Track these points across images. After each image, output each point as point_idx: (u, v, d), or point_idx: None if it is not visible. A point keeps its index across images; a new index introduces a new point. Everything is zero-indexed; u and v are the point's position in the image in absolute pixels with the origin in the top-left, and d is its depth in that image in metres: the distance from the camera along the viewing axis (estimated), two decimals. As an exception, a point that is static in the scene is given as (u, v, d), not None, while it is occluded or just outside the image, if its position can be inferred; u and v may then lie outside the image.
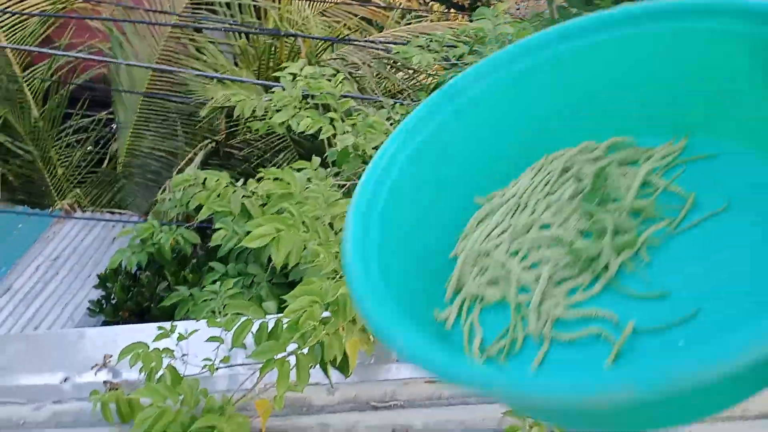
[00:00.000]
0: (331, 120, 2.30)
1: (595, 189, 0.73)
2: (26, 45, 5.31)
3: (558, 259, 0.68)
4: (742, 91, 0.67)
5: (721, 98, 0.69)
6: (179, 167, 4.77)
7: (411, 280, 0.67)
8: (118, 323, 3.60)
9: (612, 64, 0.74)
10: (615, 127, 0.75)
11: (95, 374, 1.85)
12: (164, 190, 4.41)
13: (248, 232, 2.27)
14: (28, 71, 5.60)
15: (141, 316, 3.73)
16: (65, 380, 1.85)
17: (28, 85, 5.47)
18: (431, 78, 4.80)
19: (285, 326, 1.36)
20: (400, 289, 0.62)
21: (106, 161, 5.77)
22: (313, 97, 2.51)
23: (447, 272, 0.71)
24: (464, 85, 0.73)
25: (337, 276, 1.46)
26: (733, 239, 0.64)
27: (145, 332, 1.59)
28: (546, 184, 0.75)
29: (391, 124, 2.35)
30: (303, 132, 2.37)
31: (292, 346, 1.42)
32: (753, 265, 0.61)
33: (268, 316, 1.52)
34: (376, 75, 4.67)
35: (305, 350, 1.40)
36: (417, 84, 5.01)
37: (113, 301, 3.91)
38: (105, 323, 3.83)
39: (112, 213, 5.19)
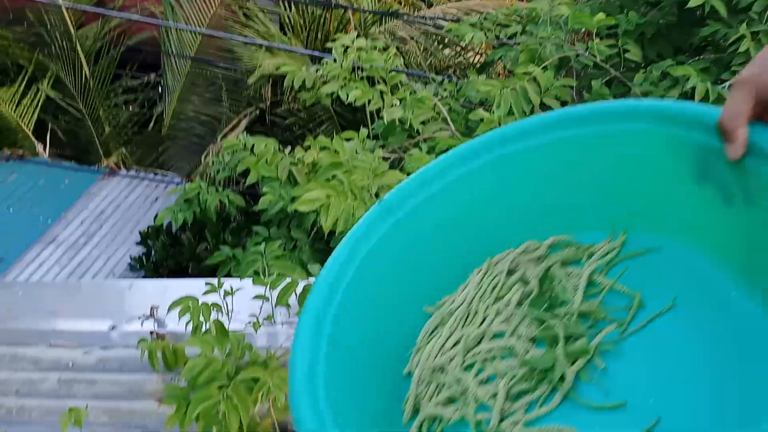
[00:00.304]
0: (381, 93, 2.33)
1: (542, 293, 0.75)
2: (81, 4, 5.42)
3: (513, 371, 0.69)
4: (673, 188, 0.70)
5: (654, 195, 0.72)
6: (223, 133, 4.85)
7: (366, 403, 0.67)
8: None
9: (546, 166, 0.77)
10: (555, 226, 0.77)
11: (142, 324, 1.93)
12: (207, 154, 4.50)
13: (293, 198, 2.32)
14: (81, 30, 5.72)
15: (180, 275, 3.83)
16: (113, 328, 1.94)
17: (80, 45, 5.59)
18: (479, 56, 4.77)
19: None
20: (354, 416, 0.62)
21: (151, 123, 5.89)
22: (362, 69, 2.53)
23: (403, 390, 0.71)
24: (399, 199, 0.75)
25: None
26: (684, 339, 0.66)
27: (192, 287, 1.66)
28: (494, 289, 0.76)
29: (440, 100, 2.36)
30: (351, 103, 2.40)
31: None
32: (705, 366, 0.62)
33: (311, 278, 1.57)
34: (423, 50, 4.66)
35: None
36: (464, 62, 4.99)
37: (153, 259, 4.03)
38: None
39: (155, 174, 5.31)
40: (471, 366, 0.71)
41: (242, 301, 1.66)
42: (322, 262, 1.74)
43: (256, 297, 1.57)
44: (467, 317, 0.75)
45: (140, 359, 1.80)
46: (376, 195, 1.81)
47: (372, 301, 0.72)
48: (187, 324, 1.53)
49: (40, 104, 5.46)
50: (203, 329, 1.52)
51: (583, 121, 0.74)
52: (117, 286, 2.12)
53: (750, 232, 0.66)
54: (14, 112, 5.31)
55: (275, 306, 1.58)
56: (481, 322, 0.74)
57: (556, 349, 0.69)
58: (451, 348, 0.73)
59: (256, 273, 1.86)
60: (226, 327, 1.53)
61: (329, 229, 1.61)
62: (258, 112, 5.01)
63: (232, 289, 1.61)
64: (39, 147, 5.61)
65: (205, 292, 1.54)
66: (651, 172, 0.72)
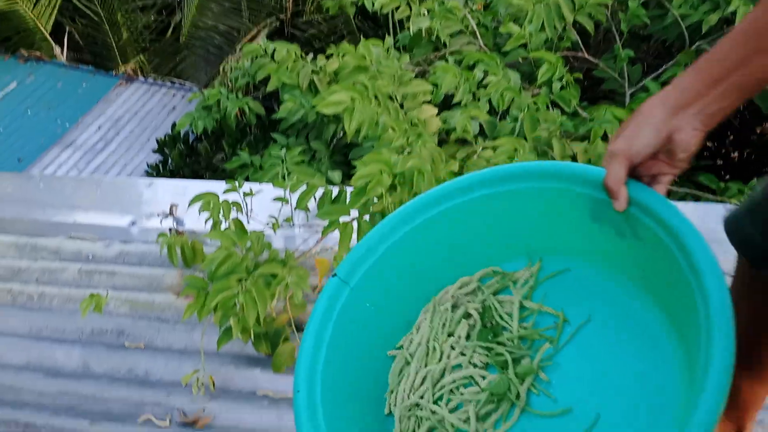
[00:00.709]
0: (408, 1, 2.25)
1: (484, 324, 0.93)
2: None
3: (478, 396, 0.86)
4: (577, 225, 0.91)
5: (563, 230, 0.94)
6: (242, 43, 4.75)
7: None
8: (174, 187, 3.73)
9: (474, 216, 0.95)
10: (483, 260, 0.97)
11: (161, 222, 1.95)
12: (226, 63, 4.42)
13: (313, 107, 2.29)
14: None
15: (196, 183, 3.85)
16: (133, 223, 1.96)
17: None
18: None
19: (351, 192, 1.40)
20: None
21: (169, 30, 5.78)
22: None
23: (388, 426, 0.88)
24: (351, 268, 0.89)
25: (405, 151, 1.48)
26: (604, 345, 0.86)
27: (213, 187, 1.65)
28: (443, 326, 0.93)
29: (469, 12, 2.28)
30: (375, 16, 2.33)
31: (354, 213, 1.47)
32: (626, 365, 0.82)
33: (330, 186, 1.57)
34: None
35: (367, 217, 1.45)
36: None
37: (170, 167, 4.04)
38: (161, 186, 3.97)
39: (173, 82, 5.25)
40: (440, 398, 0.89)
41: (261, 204, 1.66)
42: (341, 174, 1.69)
43: (276, 199, 1.57)
44: (428, 355, 0.92)
45: (159, 254, 1.83)
46: (401, 105, 1.78)
47: (348, 355, 0.89)
48: (206, 221, 1.54)
49: (57, 5, 5.35)
50: (222, 227, 1.53)
51: (500, 181, 0.94)
52: (137, 183, 2.13)
53: (641, 257, 0.85)
54: (32, 11, 5.21)
55: (295, 209, 1.58)
56: (440, 358, 0.91)
57: (507, 372, 0.87)
58: (421, 385, 0.90)
59: (276, 176, 1.85)
60: (245, 226, 1.54)
61: (352, 135, 1.59)
62: (278, 23, 4.89)
63: (251, 190, 1.61)
64: (56, 49, 5.54)
65: (226, 191, 1.54)
66: (558, 214, 0.92)
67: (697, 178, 2.42)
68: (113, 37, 5.68)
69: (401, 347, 0.94)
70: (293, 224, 1.61)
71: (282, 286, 1.38)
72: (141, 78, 5.10)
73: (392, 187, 1.39)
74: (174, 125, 4.03)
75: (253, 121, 2.61)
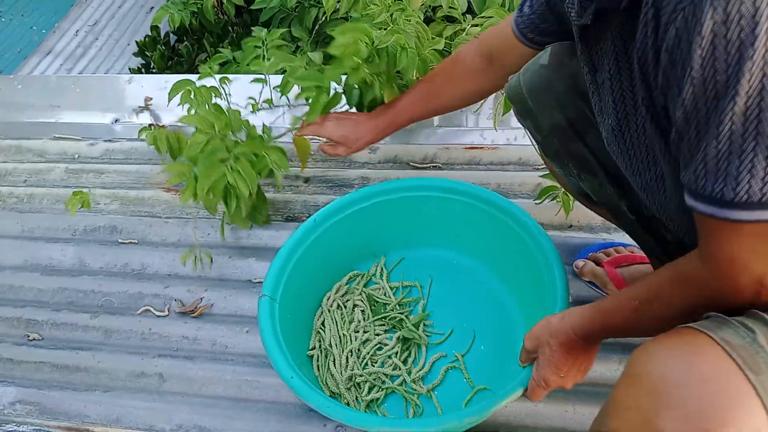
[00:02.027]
0: None
1: (372, 306, 1.33)
2: None
3: (392, 350, 1.26)
4: (410, 223, 1.37)
5: (397, 228, 1.38)
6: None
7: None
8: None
9: (347, 229, 1.32)
10: (347, 267, 1.39)
11: (137, 116, 1.90)
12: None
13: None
14: None
15: (181, 86, 3.75)
16: (116, 121, 1.91)
17: None
18: None
19: (329, 65, 1.35)
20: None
21: (141, -75, 5.44)
22: None
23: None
24: (275, 282, 1.20)
25: (387, 27, 1.41)
26: (455, 293, 1.34)
27: (193, 80, 1.60)
28: (343, 319, 1.30)
29: None
30: None
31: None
32: (475, 298, 1.32)
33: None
34: None
35: (340, 89, 1.41)
36: None
37: (153, 70, 3.92)
38: (146, 91, 3.87)
39: (150, -18, 4.99)
40: (366, 365, 1.23)
41: (241, 92, 1.60)
42: (322, 55, 1.61)
43: (254, 81, 1.51)
44: (341, 342, 1.26)
45: (146, 149, 1.80)
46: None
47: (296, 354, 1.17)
48: (188, 110, 1.49)
49: None
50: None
51: (366, 198, 1.32)
52: (117, 80, 2.06)
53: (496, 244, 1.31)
54: None
55: (280, 96, 1.53)
56: (351, 340, 1.27)
57: (406, 325, 1.28)
58: (346, 362, 1.23)
59: (256, 57, 1.77)
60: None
61: (331, 11, 1.51)
62: None
63: (228, 79, 1.55)
64: (23, -49, 5.24)
65: (200, 76, 1.48)
66: (400, 216, 1.36)
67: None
68: (82, -65, 5.35)
69: (314, 347, 1.27)
70: (272, 106, 1.56)
71: (263, 165, 1.35)
72: (115, -22, 4.85)
73: (369, 60, 1.33)
74: (153, 27, 3.88)
75: (231, 12, 2.49)
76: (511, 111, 1.13)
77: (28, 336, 1.46)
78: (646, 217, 0.99)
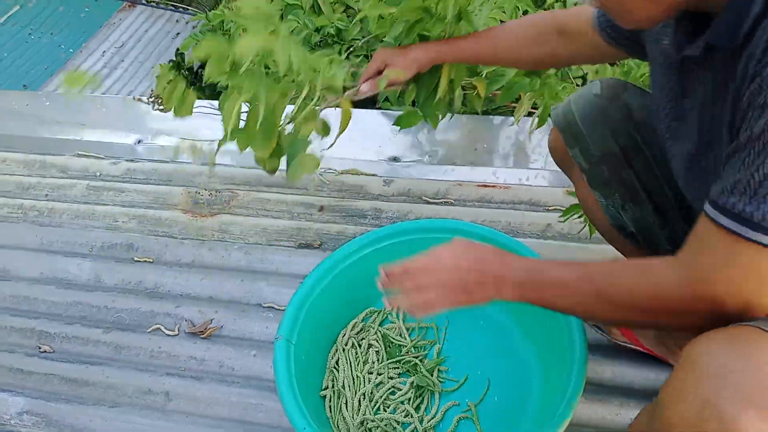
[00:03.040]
0: None
1: (386, 347, 1.31)
2: None
3: (405, 396, 1.23)
4: None
5: None
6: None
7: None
8: (180, 113, 3.71)
9: (363, 268, 1.30)
10: (363, 304, 1.37)
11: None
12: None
13: (318, 29, 2.24)
14: None
15: (202, 110, 3.82)
16: (139, 142, 1.97)
17: None
18: None
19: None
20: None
21: (172, -47, 5.61)
22: None
23: None
24: (292, 324, 1.20)
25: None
26: (472, 338, 1.32)
27: (217, 106, 1.65)
28: (357, 359, 1.29)
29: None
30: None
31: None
32: (490, 348, 1.29)
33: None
34: None
35: None
36: None
37: (175, 94, 4.01)
38: (167, 113, 3.95)
39: (176, 7, 5.14)
40: (378, 410, 1.23)
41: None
42: None
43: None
44: (354, 383, 1.25)
45: (167, 169, 1.85)
46: None
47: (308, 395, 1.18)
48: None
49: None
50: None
51: (418, 231, 1.34)
52: (140, 103, 2.12)
53: None
54: (30, -69, 5.07)
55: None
56: (365, 382, 1.26)
57: (420, 370, 1.26)
58: (359, 406, 1.22)
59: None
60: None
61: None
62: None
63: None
64: (57, -28, 5.41)
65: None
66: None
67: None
68: (115, -40, 5.53)
69: (327, 387, 1.26)
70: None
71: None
72: (144, 2, 5.00)
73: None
74: (177, 51, 3.97)
75: (258, 43, 2.55)
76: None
77: (40, 347, 1.49)
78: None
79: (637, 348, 1.25)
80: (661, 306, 0.71)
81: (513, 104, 1.86)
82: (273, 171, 1.18)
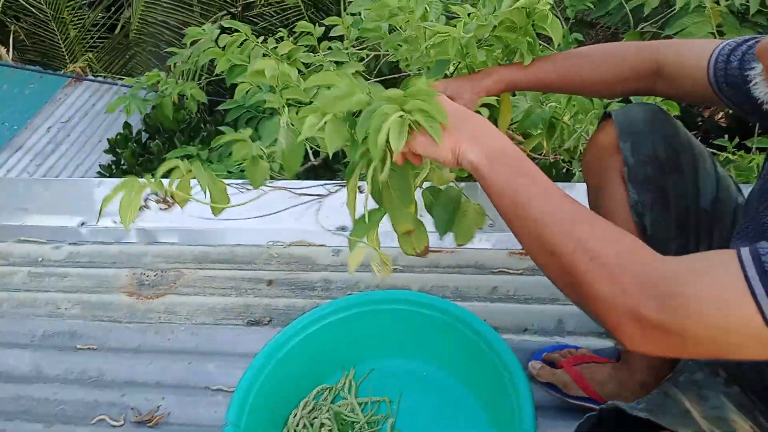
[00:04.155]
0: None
1: (339, 425, 1.29)
2: None
3: None
4: (377, 335, 1.37)
5: (363, 340, 1.37)
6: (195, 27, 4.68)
7: None
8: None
9: (313, 345, 1.31)
10: (314, 381, 1.35)
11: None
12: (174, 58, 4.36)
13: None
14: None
15: (151, 182, 3.79)
16: (82, 224, 1.94)
17: (41, -60, 5.28)
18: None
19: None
20: None
21: (118, 27, 5.67)
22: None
23: None
24: (240, 409, 1.17)
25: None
26: (425, 409, 1.31)
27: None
28: None
29: None
30: (329, 6, 2.31)
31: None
32: (442, 414, 1.30)
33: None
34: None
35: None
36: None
37: (123, 167, 3.97)
38: (115, 186, 3.90)
39: (123, 80, 5.15)
40: None
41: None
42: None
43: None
44: None
45: (111, 250, 1.82)
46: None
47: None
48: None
49: (0, 4, 5.20)
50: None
51: (366, 304, 1.36)
52: (86, 183, 2.10)
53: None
54: (-28, 11, 5.06)
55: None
56: None
57: None
58: None
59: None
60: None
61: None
62: (229, 17, 4.83)
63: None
64: (2, 50, 5.39)
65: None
66: (362, 329, 1.36)
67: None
68: (60, 36, 5.55)
69: None
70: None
71: None
72: (90, 77, 5.00)
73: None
74: (125, 124, 3.97)
75: (193, 109, 2.56)
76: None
77: (-23, 448, 1.42)
78: None
79: (591, 405, 1.27)
80: (619, 285, 0.63)
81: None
82: (425, 250, 1.03)
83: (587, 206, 1.14)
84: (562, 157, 1.68)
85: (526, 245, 0.73)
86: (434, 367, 1.37)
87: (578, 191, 1.71)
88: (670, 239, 1.13)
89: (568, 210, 0.70)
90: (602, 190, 1.19)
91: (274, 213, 1.45)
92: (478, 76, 1.18)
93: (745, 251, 0.61)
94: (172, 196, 1.15)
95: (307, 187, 1.51)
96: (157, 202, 1.13)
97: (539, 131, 1.55)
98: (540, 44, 1.24)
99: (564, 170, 2.02)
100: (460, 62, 1.26)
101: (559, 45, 1.17)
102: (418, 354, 1.38)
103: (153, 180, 1.04)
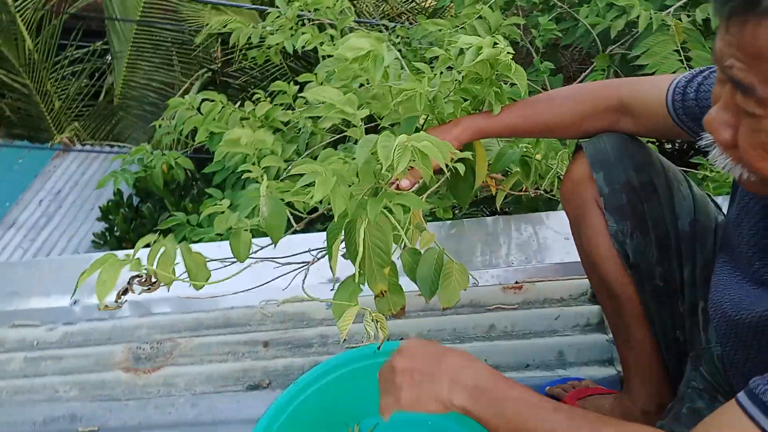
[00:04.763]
0: (332, 37, 2.27)
1: None
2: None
3: None
4: (377, 389, 1.11)
5: (368, 397, 1.19)
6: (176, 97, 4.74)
7: None
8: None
9: (312, 408, 1.29)
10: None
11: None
12: (162, 119, 4.40)
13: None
14: (19, 0, 5.49)
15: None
16: (75, 303, 1.93)
17: (20, 16, 5.37)
18: (431, 0, 4.70)
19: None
20: None
21: (102, 94, 5.73)
22: (309, 20, 2.48)
23: None
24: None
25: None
26: None
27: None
28: None
29: (392, 45, 2.33)
30: (305, 58, 2.34)
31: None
32: None
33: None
34: (373, -2, 4.57)
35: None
36: (416, 7, 4.91)
37: (116, 233, 3.98)
38: (111, 253, 3.91)
39: (111, 146, 5.20)
40: None
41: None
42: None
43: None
44: None
45: (105, 326, 1.81)
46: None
47: None
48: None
49: (-17, 84, 5.27)
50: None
51: (364, 359, 1.32)
52: (76, 260, 2.10)
53: None
54: (-44, 93, 5.12)
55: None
56: None
57: None
58: None
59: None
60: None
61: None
62: (210, 73, 4.90)
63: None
64: (-12, 128, 5.44)
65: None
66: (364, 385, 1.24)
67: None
68: (46, 108, 5.61)
69: None
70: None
71: None
72: (78, 146, 5.04)
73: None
74: (115, 191, 3.98)
75: (181, 178, 2.58)
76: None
77: None
78: (674, 287, 1.14)
79: None
80: None
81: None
82: (402, 311, 1.13)
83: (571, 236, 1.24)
84: (542, 191, 1.68)
85: None
86: (440, 417, 1.35)
87: (562, 219, 1.71)
88: (653, 266, 1.13)
89: (564, 418, 0.78)
90: (582, 220, 1.20)
91: (262, 285, 1.45)
92: (447, 127, 1.21)
93: (742, 396, 0.66)
94: (155, 276, 1.16)
95: (292, 255, 1.51)
96: (140, 284, 1.12)
97: (516, 171, 1.56)
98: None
99: (548, 200, 2.02)
100: (428, 115, 1.27)
101: (524, 93, 1.19)
102: None
103: (131, 259, 1.06)
